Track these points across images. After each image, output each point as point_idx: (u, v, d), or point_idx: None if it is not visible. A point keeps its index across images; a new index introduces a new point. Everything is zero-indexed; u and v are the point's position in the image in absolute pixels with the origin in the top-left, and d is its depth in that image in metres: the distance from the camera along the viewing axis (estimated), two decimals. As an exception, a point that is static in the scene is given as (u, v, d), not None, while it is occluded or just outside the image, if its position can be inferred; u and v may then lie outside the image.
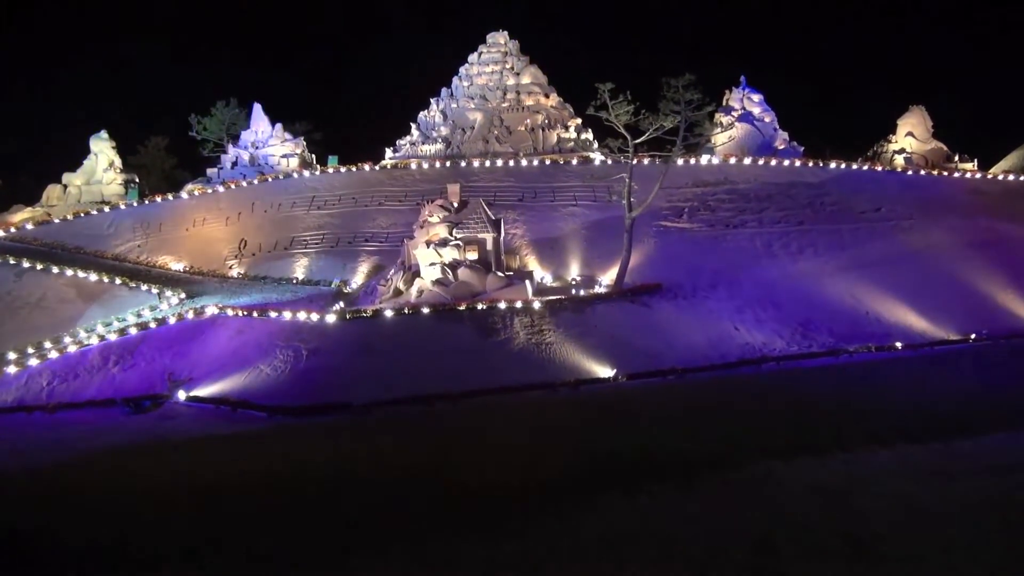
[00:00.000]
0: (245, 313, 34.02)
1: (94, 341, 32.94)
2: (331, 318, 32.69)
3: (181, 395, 29.33)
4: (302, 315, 33.08)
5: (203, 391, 29.54)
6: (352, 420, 25.56)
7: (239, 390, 29.10)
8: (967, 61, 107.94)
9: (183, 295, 38.41)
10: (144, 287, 39.59)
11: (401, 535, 13.93)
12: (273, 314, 33.60)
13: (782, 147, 55.99)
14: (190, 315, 34.51)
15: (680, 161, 39.33)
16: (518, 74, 58.61)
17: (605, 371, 29.92)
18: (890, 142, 58.49)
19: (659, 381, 29.34)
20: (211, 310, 34.66)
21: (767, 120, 56.81)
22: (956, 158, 56.01)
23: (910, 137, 57.51)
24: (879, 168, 51.19)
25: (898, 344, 34.12)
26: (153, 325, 33.82)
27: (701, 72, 35.91)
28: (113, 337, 33.16)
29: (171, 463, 21.51)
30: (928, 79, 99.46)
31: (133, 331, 33.49)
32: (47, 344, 33.92)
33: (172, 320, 34.15)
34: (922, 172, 50.80)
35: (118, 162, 61.86)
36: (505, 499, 16.08)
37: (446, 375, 28.41)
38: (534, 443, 21.59)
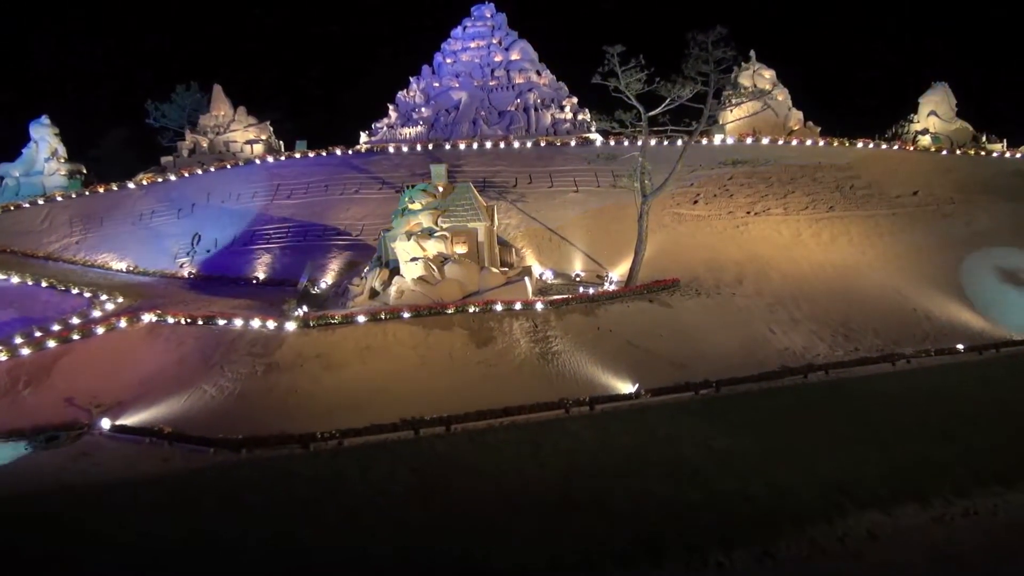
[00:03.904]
0: (188, 320, 28.39)
1: (3, 357, 27.11)
2: (291, 326, 27.23)
3: (105, 424, 23.68)
4: (256, 323, 27.59)
5: (132, 418, 24.17)
6: (316, 455, 20.46)
7: (177, 417, 23.71)
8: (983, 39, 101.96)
9: (120, 299, 32.54)
10: (75, 290, 33.78)
11: None
12: (221, 321, 28.01)
13: (796, 127, 51.35)
14: (123, 323, 28.82)
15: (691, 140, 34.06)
16: (507, 50, 53.25)
17: (625, 386, 25.13)
18: (911, 121, 53.95)
19: (691, 397, 24.59)
20: (148, 317, 29.00)
21: (780, 99, 51.87)
22: (984, 138, 51.62)
23: (933, 116, 52.98)
24: (910, 148, 46.37)
25: (959, 346, 29.34)
26: (76, 336, 28.10)
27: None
28: (27, 352, 27.36)
29: (80, 522, 16.34)
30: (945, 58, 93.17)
31: (52, 344, 27.70)
32: (-51, 361, 27.98)
33: (100, 330, 28.41)
34: (957, 152, 46.12)
35: (62, 150, 55.38)
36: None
37: (434, 395, 23.93)
38: (559, 493, 16.71)
